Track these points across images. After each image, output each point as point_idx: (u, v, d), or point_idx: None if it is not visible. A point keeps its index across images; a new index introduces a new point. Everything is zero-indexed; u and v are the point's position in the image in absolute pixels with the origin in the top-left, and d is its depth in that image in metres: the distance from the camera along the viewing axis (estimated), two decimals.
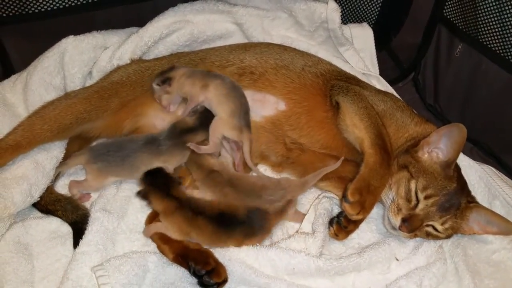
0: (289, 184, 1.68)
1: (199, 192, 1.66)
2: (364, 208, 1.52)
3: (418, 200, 1.57)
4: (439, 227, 1.58)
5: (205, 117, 1.74)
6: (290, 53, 1.96)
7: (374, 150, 1.60)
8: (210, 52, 1.97)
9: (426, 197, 1.56)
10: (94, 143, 1.85)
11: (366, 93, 1.82)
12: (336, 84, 1.82)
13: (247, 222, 1.54)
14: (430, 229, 1.59)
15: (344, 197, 1.54)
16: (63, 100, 1.76)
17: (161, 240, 1.57)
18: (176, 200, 1.55)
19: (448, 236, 1.62)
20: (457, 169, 1.67)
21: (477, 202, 1.67)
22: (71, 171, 1.87)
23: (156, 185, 1.59)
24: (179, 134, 1.72)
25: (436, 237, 1.62)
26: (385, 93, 1.93)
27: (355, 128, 1.68)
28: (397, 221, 1.57)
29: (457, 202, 1.57)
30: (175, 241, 1.56)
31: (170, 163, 1.70)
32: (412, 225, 1.54)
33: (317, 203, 1.74)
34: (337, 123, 1.75)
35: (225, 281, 1.46)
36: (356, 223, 1.67)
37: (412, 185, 1.58)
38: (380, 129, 1.66)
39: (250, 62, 1.88)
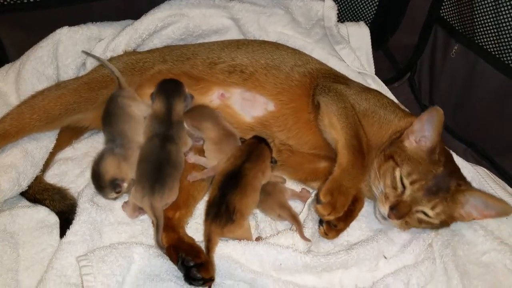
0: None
1: (206, 159, 1.72)
2: (336, 208, 1.52)
3: (404, 187, 1.57)
4: (430, 212, 1.56)
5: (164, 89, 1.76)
6: (282, 52, 1.94)
7: (347, 150, 1.60)
8: (202, 48, 1.95)
9: (412, 183, 1.56)
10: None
11: (350, 92, 1.80)
12: (319, 83, 1.81)
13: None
14: (421, 215, 1.57)
15: (316, 198, 1.54)
16: (53, 90, 1.76)
17: None
18: (251, 156, 1.63)
19: (443, 223, 1.60)
20: (447, 154, 1.67)
21: (470, 187, 1.65)
22: (60, 160, 1.86)
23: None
24: (169, 118, 1.71)
25: (430, 224, 1.60)
26: (369, 91, 1.90)
27: (332, 128, 1.68)
28: (385, 210, 1.57)
29: (445, 185, 1.56)
30: (172, 231, 1.54)
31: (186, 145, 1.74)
32: (400, 212, 1.54)
33: (311, 201, 1.72)
34: (317, 124, 1.75)
35: (211, 279, 1.43)
36: (346, 222, 1.66)
37: (397, 172, 1.58)
38: (357, 130, 1.66)
39: (241, 61, 1.87)
